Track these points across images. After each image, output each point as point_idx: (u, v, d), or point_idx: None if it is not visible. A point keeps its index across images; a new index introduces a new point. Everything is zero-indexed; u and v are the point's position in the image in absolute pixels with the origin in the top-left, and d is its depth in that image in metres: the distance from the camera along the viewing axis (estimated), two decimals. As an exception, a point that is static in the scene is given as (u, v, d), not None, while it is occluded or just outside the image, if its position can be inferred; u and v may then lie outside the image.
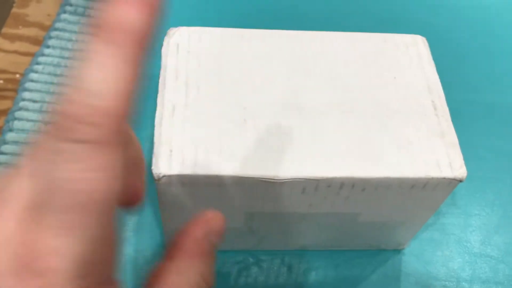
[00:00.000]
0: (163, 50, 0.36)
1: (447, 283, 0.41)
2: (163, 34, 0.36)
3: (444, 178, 0.32)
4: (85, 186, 0.15)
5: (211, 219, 0.23)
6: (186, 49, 0.36)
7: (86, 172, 0.15)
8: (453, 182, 0.32)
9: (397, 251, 0.42)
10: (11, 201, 0.16)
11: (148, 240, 0.41)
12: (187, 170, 0.31)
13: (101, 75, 0.15)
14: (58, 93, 0.15)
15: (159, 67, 0.35)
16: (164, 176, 0.30)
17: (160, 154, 0.31)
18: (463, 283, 0.41)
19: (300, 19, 0.54)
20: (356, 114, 0.34)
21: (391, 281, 0.41)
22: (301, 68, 0.36)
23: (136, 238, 0.41)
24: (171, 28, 0.37)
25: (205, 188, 0.32)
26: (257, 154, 0.31)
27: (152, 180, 0.31)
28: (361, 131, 0.33)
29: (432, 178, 0.32)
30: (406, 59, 0.36)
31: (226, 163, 0.31)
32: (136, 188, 0.22)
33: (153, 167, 0.31)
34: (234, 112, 0.33)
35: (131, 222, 0.42)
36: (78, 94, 0.15)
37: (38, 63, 0.79)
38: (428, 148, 0.33)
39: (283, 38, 0.37)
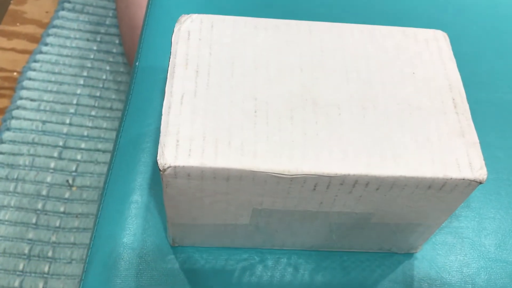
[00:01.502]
0: (174, 37, 0.35)
1: (461, 289, 0.40)
2: (175, 20, 0.35)
3: (463, 179, 0.30)
4: None
5: None
6: (198, 36, 0.35)
7: None
8: (473, 184, 0.31)
9: (409, 255, 0.41)
10: None
11: (153, 242, 0.40)
12: (194, 161, 0.29)
13: None
14: None
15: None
16: (169, 167, 0.29)
17: (166, 144, 0.30)
18: (479, 289, 0.40)
19: (316, 10, 0.53)
20: (374, 110, 0.32)
21: (402, 287, 0.40)
22: (316, 60, 0.34)
23: (142, 239, 0.40)
24: (182, 15, 0.36)
25: (212, 182, 0.31)
26: (268, 148, 0.30)
27: (159, 173, 0.30)
28: (378, 127, 0.32)
29: (451, 179, 0.30)
30: (426, 55, 0.35)
31: (235, 156, 0.30)
32: None
33: (158, 158, 0.29)
34: (244, 103, 0.32)
35: (136, 222, 0.41)
36: None
37: (36, 61, 0.77)
38: (448, 147, 0.31)
39: (299, 29, 0.36)
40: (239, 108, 0.32)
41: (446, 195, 0.32)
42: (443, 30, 0.38)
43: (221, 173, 0.30)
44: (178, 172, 0.30)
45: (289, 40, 0.35)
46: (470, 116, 0.33)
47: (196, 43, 0.34)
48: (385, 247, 0.40)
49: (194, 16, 0.36)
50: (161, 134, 0.30)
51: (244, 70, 0.33)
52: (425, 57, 0.35)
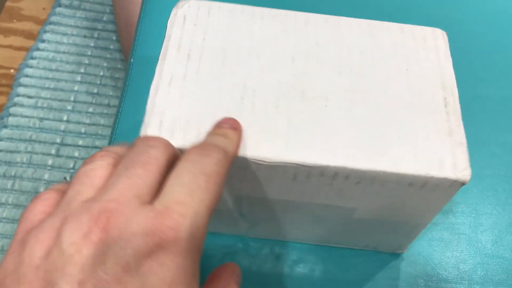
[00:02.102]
0: (170, 21, 0.35)
1: (458, 285, 0.39)
2: (173, 5, 0.35)
3: (446, 179, 0.30)
4: (213, 175, 0.25)
5: (235, 266, 0.30)
6: (193, 21, 0.35)
7: (214, 169, 0.25)
8: (455, 184, 0.30)
9: (396, 255, 0.40)
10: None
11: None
12: (176, 142, 0.30)
13: (225, 140, 0.29)
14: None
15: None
16: None
17: (150, 124, 0.30)
18: (475, 285, 0.39)
19: (317, 3, 0.52)
20: (362, 104, 0.32)
21: (399, 283, 0.39)
22: (311, 52, 0.34)
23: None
24: (180, 0, 0.36)
25: None
26: (250, 134, 0.30)
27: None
28: (364, 121, 0.31)
29: (432, 177, 0.30)
30: (422, 52, 0.35)
31: None
32: None
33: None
34: (233, 89, 0.32)
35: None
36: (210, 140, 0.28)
37: (33, 58, 0.77)
38: (433, 146, 0.31)
39: (296, 20, 0.36)
40: (226, 94, 0.32)
41: (429, 194, 0.31)
42: (441, 24, 0.37)
43: None
44: None
45: (285, 30, 0.35)
46: (460, 116, 0.32)
47: (191, 28, 0.34)
48: (371, 245, 0.40)
49: (192, 1, 0.36)
50: (146, 114, 0.31)
51: (236, 57, 0.33)
52: (421, 54, 0.35)
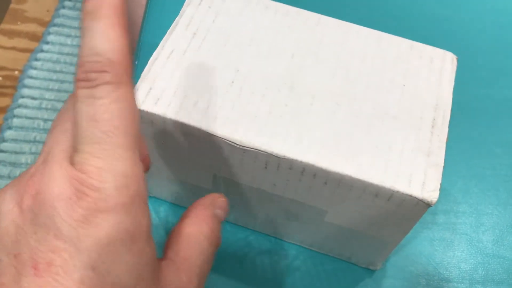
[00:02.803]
0: (187, 0, 0.36)
1: (459, 285, 0.40)
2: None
3: (411, 196, 0.29)
4: (115, 114, 0.20)
5: (216, 197, 0.28)
6: (208, 4, 0.36)
7: (112, 104, 0.20)
8: (420, 204, 0.29)
9: (370, 272, 0.40)
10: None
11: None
12: (158, 110, 0.31)
13: (98, 40, 0.20)
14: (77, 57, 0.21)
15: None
16: None
17: (139, 89, 0.32)
18: (476, 285, 0.40)
19: (337, 6, 0.53)
20: (347, 108, 0.32)
21: (400, 283, 0.40)
22: (312, 52, 0.35)
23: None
24: None
25: (173, 134, 0.32)
26: (230, 116, 0.31)
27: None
28: (346, 125, 0.31)
29: (398, 192, 0.29)
30: (425, 71, 0.34)
31: (197, 115, 0.31)
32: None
33: None
34: (226, 71, 0.33)
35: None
36: (87, 56, 0.20)
37: (37, 60, 0.77)
38: (407, 162, 0.30)
39: (307, 19, 0.36)
40: (218, 75, 0.33)
41: (396, 209, 0.31)
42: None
43: (180, 127, 0.31)
44: (143, 116, 0.32)
45: (293, 27, 0.36)
46: (445, 140, 0.32)
47: (204, 9, 0.36)
48: (345, 255, 0.39)
49: None
50: (140, 78, 0.32)
51: (238, 42, 0.35)
52: (423, 73, 0.34)
